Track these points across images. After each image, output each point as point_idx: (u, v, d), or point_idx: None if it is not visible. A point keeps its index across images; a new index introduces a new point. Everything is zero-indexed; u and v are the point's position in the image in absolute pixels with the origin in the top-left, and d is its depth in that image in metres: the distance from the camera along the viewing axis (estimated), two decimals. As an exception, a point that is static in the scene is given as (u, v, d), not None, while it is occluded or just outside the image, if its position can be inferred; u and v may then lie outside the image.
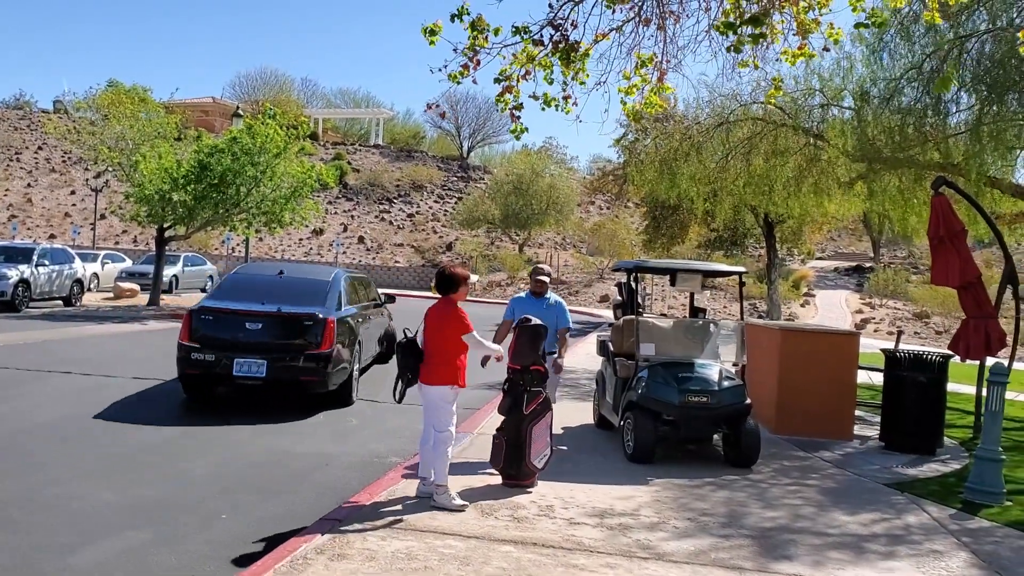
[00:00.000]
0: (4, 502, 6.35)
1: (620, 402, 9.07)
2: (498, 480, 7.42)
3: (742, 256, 43.47)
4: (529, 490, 7.29)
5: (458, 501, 6.58)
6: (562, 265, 49.76)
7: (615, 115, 49.93)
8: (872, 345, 19.65)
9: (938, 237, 9.93)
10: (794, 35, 6.08)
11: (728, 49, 5.96)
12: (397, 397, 6.88)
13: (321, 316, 10.70)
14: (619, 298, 10.86)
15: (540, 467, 7.38)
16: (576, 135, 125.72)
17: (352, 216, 58.90)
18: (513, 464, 7.15)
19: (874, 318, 36.72)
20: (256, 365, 10.37)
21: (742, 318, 10.24)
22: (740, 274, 9.68)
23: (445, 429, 6.66)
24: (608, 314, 32.34)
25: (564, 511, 6.74)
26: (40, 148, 64.54)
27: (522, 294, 8.80)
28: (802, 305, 39.80)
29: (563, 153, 57.38)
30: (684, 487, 7.77)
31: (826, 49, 6.61)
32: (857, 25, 6.19)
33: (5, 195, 57.38)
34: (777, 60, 6.84)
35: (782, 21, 6.04)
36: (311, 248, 54.08)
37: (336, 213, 58.69)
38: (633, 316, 9.53)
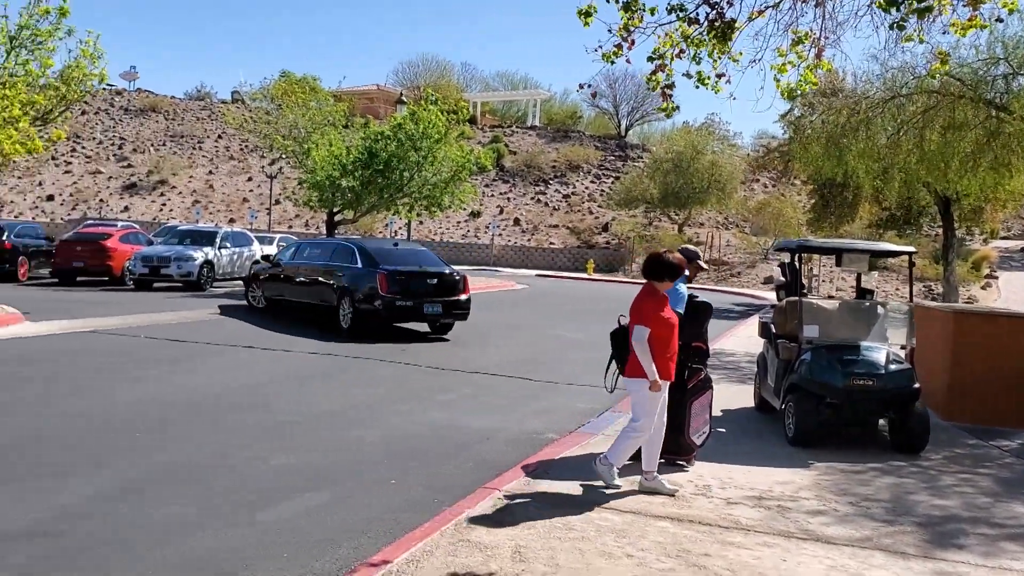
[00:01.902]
0: (198, 462, 6.97)
1: (782, 385, 8.92)
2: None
3: (917, 236, 41.13)
4: (686, 467, 7.32)
5: (617, 480, 6.62)
6: (724, 245, 48.66)
7: (771, 92, 48.14)
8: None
9: None
10: (964, 5, 5.75)
11: (891, 26, 5.72)
12: (608, 386, 7.07)
13: (461, 274, 16.42)
14: (782, 279, 10.63)
15: (698, 444, 7.38)
16: (739, 111, 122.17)
17: (508, 198, 59.72)
18: (671, 439, 7.13)
19: (1065, 302, 34.05)
20: (435, 306, 15.61)
21: (911, 300, 9.81)
22: (910, 254, 9.28)
23: (637, 420, 6.56)
24: (771, 296, 31.49)
25: (721, 491, 6.74)
26: (220, 137, 68.80)
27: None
28: (983, 287, 37.36)
29: (726, 129, 55.47)
30: (847, 472, 7.58)
31: (999, 20, 6.22)
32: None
33: (190, 181, 61.61)
34: (944, 32, 6.50)
35: (952, -9, 5.74)
36: (468, 230, 55.26)
37: (492, 195, 59.66)
38: (796, 297, 9.33)
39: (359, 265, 15.94)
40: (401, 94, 34.86)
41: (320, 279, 16.72)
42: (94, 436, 7.63)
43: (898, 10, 5.59)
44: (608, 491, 6.53)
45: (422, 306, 15.43)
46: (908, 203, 29.28)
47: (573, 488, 6.57)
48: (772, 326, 9.75)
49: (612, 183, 59.60)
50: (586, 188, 61.13)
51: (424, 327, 16.89)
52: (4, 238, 23.55)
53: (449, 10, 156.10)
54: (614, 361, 6.89)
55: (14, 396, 9.08)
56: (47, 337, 13.52)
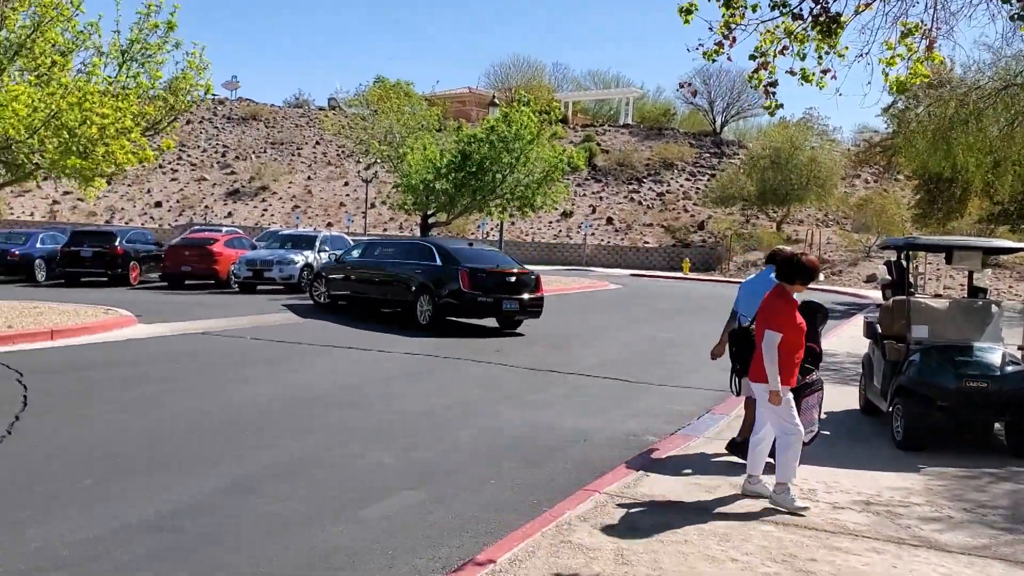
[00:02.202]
0: (302, 459, 7.16)
1: (889, 387, 8.63)
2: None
3: (1032, 231, 39.19)
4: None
5: (799, 503, 6.13)
6: (824, 243, 47.34)
7: (878, 86, 46.59)
8: None
9: None
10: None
11: (1012, 18, 5.46)
12: (733, 389, 7.01)
13: (536, 273, 17.32)
14: (888, 277, 10.27)
15: (806, 441, 7.18)
16: (839, 105, 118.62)
17: (600, 197, 59.43)
18: None
19: None
20: (512, 303, 16.36)
21: (1030, 298, 9.35)
22: (1025, 250, 8.86)
23: (784, 425, 6.18)
24: (875, 294, 30.48)
25: (827, 495, 6.56)
26: (318, 143, 70.53)
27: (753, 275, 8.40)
28: (1104, 285, 35.42)
29: (825, 124, 54.03)
30: (960, 477, 7.28)
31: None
32: None
33: (289, 187, 63.36)
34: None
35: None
36: (560, 230, 55.23)
37: (585, 195, 59.47)
38: (904, 296, 9.01)
39: (438, 263, 16.69)
40: (493, 96, 35.08)
41: (396, 277, 17.44)
42: (206, 435, 7.91)
43: (1019, 0, 5.35)
44: (710, 495, 6.43)
45: (501, 303, 16.27)
46: (1022, 197, 27.93)
47: (675, 490, 6.50)
48: (878, 326, 9.43)
49: (708, 181, 58.68)
50: (680, 186, 60.35)
51: (492, 323, 17.46)
52: (116, 244, 24.69)
53: (540, 10, 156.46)
54: (736, 363, 6.81)
55: (131, 395, 9.49)
56: (159, 339, 14.10)
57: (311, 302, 20.15)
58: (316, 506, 5.96)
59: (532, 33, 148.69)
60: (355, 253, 19.57)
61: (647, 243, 52.66)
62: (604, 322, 19.87)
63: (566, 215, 56.27)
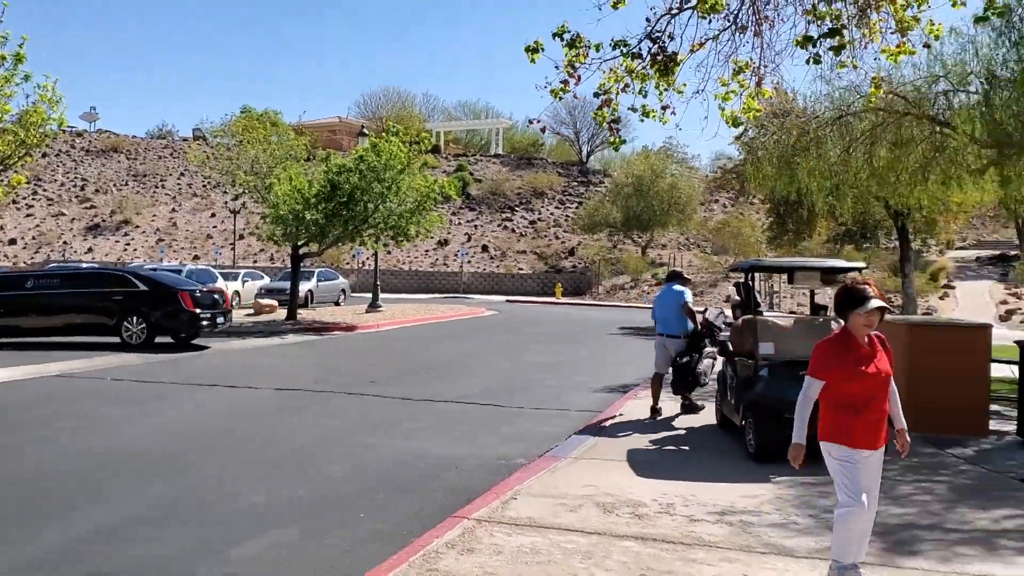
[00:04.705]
0: (173, 500, 7.01)
1: (741, 402, 9.12)
2: (621, 480, 7.65)
3: (876, 249, 41.87)
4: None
5: None
6: (686, 265, 49.17)
7: (715, 121, 49.52)
8: (1012, 337, 18.73)
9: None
10: (892, 33, 6.05)
11: (807, 62, 6.01)
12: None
13: (221, 290, 19.98)
14: (737, 298, 10.88)
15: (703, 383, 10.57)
16: (698, 133, 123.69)
17: (475, 226, 59.96)
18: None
19: (1020, 309, 34.78)
20: (221, 317, 19.38)
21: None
22: (859, 269, 9.55)
23: (839, 496, 5.12)
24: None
25: (684, 508, 6.88)
26: (183, 174, 68.46)
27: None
28: (941, 298, 38.08)
29: (684, 152, 56.59)
30: (808, 485, 7.75)
31: (927, 46, 6.53)
32: (977, 19, 6.11)
33: (153, 220, 61.20)
34: (875, 59, 6.82)
35: (881, 19, 6.03)
36: (437, 258, 55.38)
37: (460, 223, 59.87)
38: (752, 315, 9.55)
39: (143, 288, 18.40)
40: (362, 126, 35.00)
41: (86, 304, 18.39)
42: (71, 481, 7.62)
43: (814, 46, 5.87)
44: (574, 514, 6.65)
45: (215, 318, 18.73)
46: (863, 218, 29.91)
47: (541, 512, 6.68)
48: (730, 344, 9.96)
49: (576, 208, 60.14)
50: (551, 214, 61.59)
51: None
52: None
53: (410, 41, 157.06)
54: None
55: (-21, 444, 9.02)
56: (9, 384, 13.40)
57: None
58: (185, 549, 5.86)
59: (403, 63, 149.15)
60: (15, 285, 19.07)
61: (521, 269, 53.41)
62: (480, 349, 20.07)
63: (443, 243, 56.50)
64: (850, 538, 5.04)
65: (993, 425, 10.57)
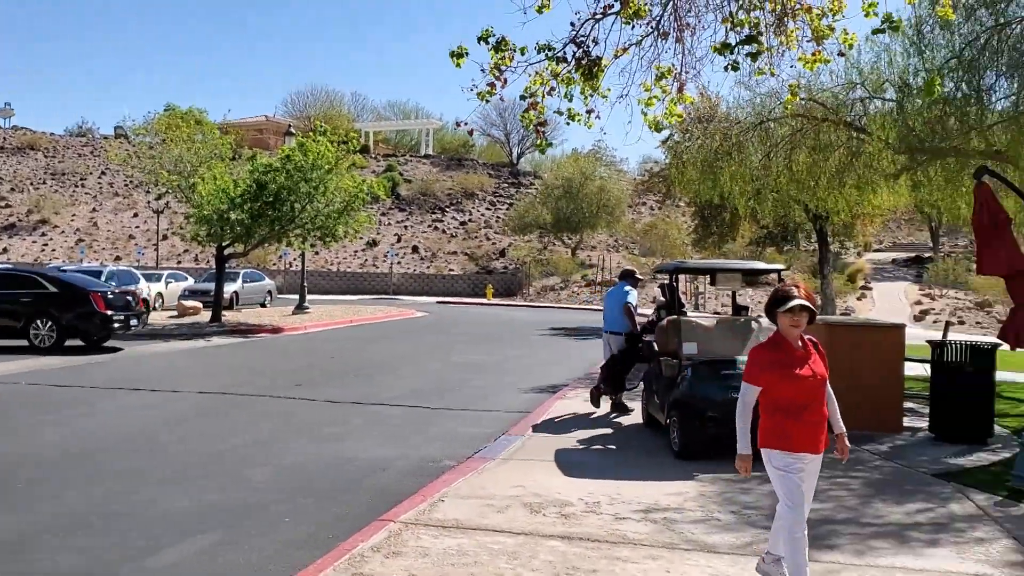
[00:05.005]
0: (84, 510, 6.81)
1: (666, 401, 9.27)
2: (548, 480, 7.71)
3: (797, 251, 43.02)
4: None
5: None
6: (615, 267, 49.72)
7: (639, 125, 50.32)
8: (926, 337, 19.43)
9: (982, 226, 9.89)
10: (808, 41, 6.25)
11: (725, 68, 6.17)
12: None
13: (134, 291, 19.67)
14: (662, 299, 11.07)
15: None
16: (625, 137, 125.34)
17: (406, 226, 59.66)
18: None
19: (933, 309, 36.11)
20: (135, 318, 18.87)
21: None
22: (779, 271, 9.80)
23: (781, 503, 5.16)
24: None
25: (610, 507, 6.97)
26: (103, 173, 66.59)
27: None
28: (859, 299, 39.29)
29: (612, 155, 57.46)
30: (730, 482, 7.92)
31: (841, 54, 6.77)
32: (875, 31, 6.35)
33: (72, 220, 59.38)
34: (792, 67, 7.03)
35: (797, 28, 6.22)
36: (366, 259, 54.93)
37: (390, 224, 59.50)
38: (675, 316, 9.72)
39: (53, 289, 17.93)
40: (289, 126, 34.52)
41: None
42: (-29, 491, 7.36)
43: (732, 53, 6.03)
44: (501, 515, 6.68)
45: (128, 320, 18.46)
46: (784, 221, 30.70)
47: (468, 514, 6.69)
48: (655, 344, 10.12)
49: (507, 209, 60.30)
50: (482, 215, 61.64)
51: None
52: None
53: (338, 39, 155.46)
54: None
55: None
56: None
57: None
58: (98, 559, 5.71)
59: (330, 62, 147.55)
60: None
61: (452, 270, 53.32)
62: (410, 350, 19.98)
63: (372, 244, 56.06)
64: (786, 541, 5.09)
65: (907, 422, 10.93)
